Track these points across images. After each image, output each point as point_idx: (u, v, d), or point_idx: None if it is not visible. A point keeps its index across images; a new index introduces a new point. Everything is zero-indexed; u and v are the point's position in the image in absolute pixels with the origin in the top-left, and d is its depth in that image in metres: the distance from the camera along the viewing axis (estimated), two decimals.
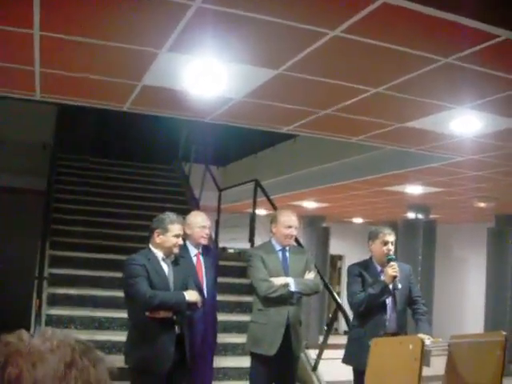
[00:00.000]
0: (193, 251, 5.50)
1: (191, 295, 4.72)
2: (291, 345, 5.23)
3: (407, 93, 4.59)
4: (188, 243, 5.50)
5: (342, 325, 17.35)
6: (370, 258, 5.38)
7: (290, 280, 5.19)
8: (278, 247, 5.37)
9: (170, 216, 4.78)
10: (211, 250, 5.87)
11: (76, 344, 1.04)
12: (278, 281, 5.16)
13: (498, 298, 12.63)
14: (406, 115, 5.27)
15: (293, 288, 5.17)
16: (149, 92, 4.99)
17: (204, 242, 5.51)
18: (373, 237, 5.35)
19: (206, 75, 4.53)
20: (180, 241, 4.78)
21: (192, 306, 4.76)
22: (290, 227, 5.32)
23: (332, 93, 4.75)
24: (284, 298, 5.16)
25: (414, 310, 5.26)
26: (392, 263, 5.11)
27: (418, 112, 5.13)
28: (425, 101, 4.78)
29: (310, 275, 5.36)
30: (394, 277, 5.06)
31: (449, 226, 15.38)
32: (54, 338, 1.03)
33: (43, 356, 1.00)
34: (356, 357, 5.07)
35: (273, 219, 5.45)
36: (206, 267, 5.51)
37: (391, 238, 5.26)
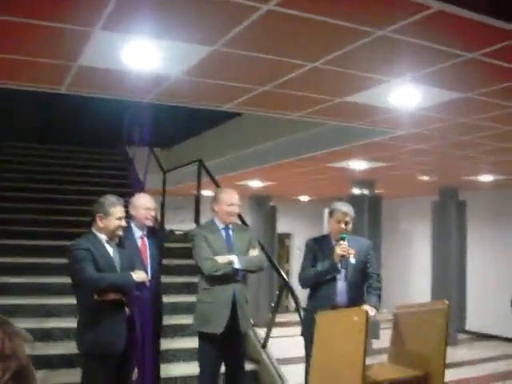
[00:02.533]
0: (137, 233, 5.45)
1: (139, 274, 4.70)
2: (238, 322, 5.25)
3: (344, 67, 4.59)
4: (133, 225, 5.45)
5: (292, 302, 17.50)
6: (329, 234, 5.45)
7: (233, 257, 5.19)
8: (221, 226, 5.36)
9: (109, 199, 4.73)
10: (156, 232, 5.83)
11: None
12: (222, 259, 5.16)
13: (444, 268, 12.91)
14: (345, 90, 5.29)
15: (237, 265, 5.17)
16: (85, 73, 4.88)
17: (149, 223, 5.47)
18: (330, 213, 5.44)
19: (142, 54, 4.45)
20: (123, 223, 4.73)
21: (140, 285, 4.75)
22: (231, 205, 5.32)
23: (269, 68, 4.72)
24: (229, 276, 5.16)
25: (367, 284, 5.33)
26: (341, 242, 5.17)
27: (357, 86, 5.14)
28: (362, 74, 4.79)
29: (254, 252, 5.38)
30: (342, 256, 5.12)
31: (394, 200, 15.63)
32: None
33: None
34: (308, 329, 5.11)
35: (214, 198, 5.44)
36: (150, 249, 5.47)
37: (346, 217, 5.32)
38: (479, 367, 10.64)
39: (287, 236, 19.13)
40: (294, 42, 4.15)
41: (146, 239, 5.48)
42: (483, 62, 4.34)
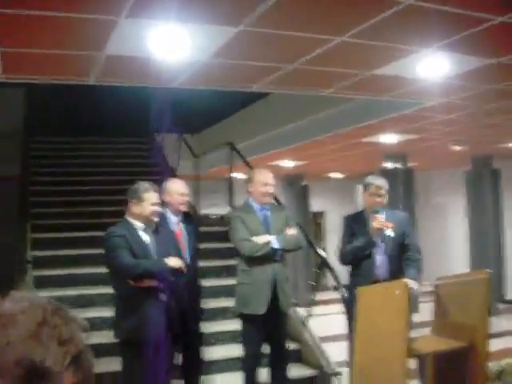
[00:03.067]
0: (173, 219, 5.46)
1: (173, 261, 4.72)
2: (279, 302, 5.25)
3: (372, 39, 4.53)
4: (167, 211, 5.47)
5: (331, 280, 17.47)
6: (364, 209, 5.43)
7: (271, 237, 5.19)
8: (256, 206, 5.36)
9: (143, 185, 4.74)
10: (192, 217, 5.84)
11: (47, 304, 1.03)
12: (260, 239, 5.16)
13: (481, 239, 12.77)
14: (373, 62, 5.23)
15: (275, 245, 5.17)
16: (112, 62, 4.90)
17: (183, 208, 5.47)
18: (364, 188, 5.41)
19: (168, 39, 4.45)
20: (158, 208, 4.75)
21: (176, 271, 4.77)
22: (266, 185, 5.31)
23: (296, 45, 4.69)
24: (267, 256, 5.16)
25: (406, 257, 5.29)
26: (376, 216, 5.14)
27: (385, 58, 5.08)
28: (390, 45, 4.73)
29: (292, 231, 5.37)
30: (378, 229, 5.09)
31: (427, 173, 15.47)
32: (24, 300, 1.02)
33: (14, 318, 0.98)
34: (350, 306, 5.10)
35: (249, 179, 5.44)
36: (186, 234, 5.49)
37: (380, 190, 5.29)
38: None
39: (320, 214, 19.10)
40: (320, 16, 4.11)
41: (181, 225, 5.50)
42: None
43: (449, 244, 15.64)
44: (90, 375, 1.04)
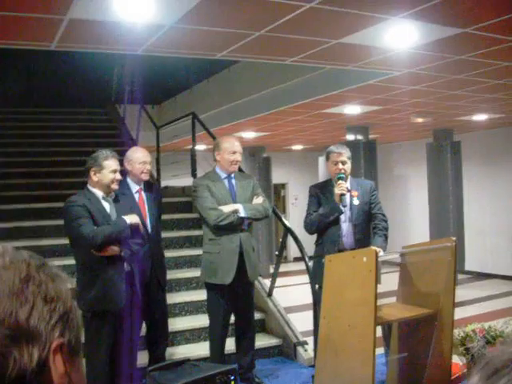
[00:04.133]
0: (134, 187, 5.41)
1: (131, 218, 4.64)
2: (246, 271, 5.24)
3: (341, 5, 4.47)
4: (129, 180, 5.40)
5: (291, 252, 17.64)
6: (330, 178, 5.43)
7: (238, 206, 5.16)
8: (223, 175, 5.32)
9: (103, 152, 4.65)
10: (153, 186, 5.77)
11: (30, 259, 0.95)
12: (227, 208, 5.12)
13: (441, 210, 12.94)
14: (342, 30, 5.16)
15: (242, 214, 5.15)
16: (76, 26, 4.74)
17: (145, 177, 5.41)
18: (326, 157, 5.41)
19: (134, 2, 4.34)
20: (118, 176, 4.66)
21: (134, 230, 4.68)
22: (234, 153, 5.27)
23: (264, 11, 4.59)
24: (234, 225, 5.13)
25: (373, 225, 5.31)
26: (339, 181, 5.15)
27: (353, 26, 5.02)
28: (359, 13, 4.66)
29: (259, 200, 5.35)
30: (341, 194, 5.10)
31: (389, 145, 15.59)
32: (5, 255, 0.94)
33: None
34: (318, 275, 5.11)
35: (216, 146, 5.37)
36: (148, 203, 5.43)
37: (340, 157, 5.29)
38: (481, 306, 10.76)
39: (282, 186, 19.14)
40: None
41: (143, 193, 5.44)
42: None
43: (410, 215, 15.85)
44: (77, 335, 0.97)
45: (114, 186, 4.68)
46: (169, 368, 4.07)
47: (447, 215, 12.86)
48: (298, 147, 17.31)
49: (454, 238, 4.79)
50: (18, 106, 11.40)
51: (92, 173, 4.60)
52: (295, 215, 17.02)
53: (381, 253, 4.81)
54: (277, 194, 18.71)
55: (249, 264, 5.27)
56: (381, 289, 4.17)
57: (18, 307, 0.88)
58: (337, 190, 5.14)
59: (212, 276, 5.24)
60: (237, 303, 5.38)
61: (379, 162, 13.24)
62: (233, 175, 5.37)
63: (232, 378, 3.92)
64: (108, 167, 4.60)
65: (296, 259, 15.98)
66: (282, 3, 4.38)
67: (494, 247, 13.73)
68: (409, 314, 4.76)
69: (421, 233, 14.08)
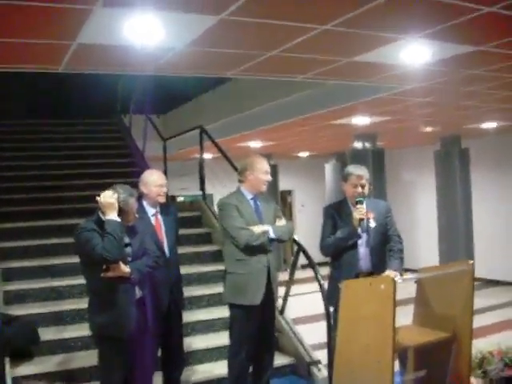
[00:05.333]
0: (150, 211, 5.31)
1: (103, 196, 4.40)
2: (272, 291, 5.20)
3: (356, 27, 4.40)
4: (145, 203, 5.31)
5: (299, 260, 17.46)
6: (345, 198, 5.33)
7: (268, 227, 5.11)
8: (249, 195, 5.25)
9: (123, 193, 4.48)
10: (170, 208, 5.67)
11: None
12: (258, 229, 5.07)
13: (449, 216, 12.87)
14: (355, 50, 5.10)
15: (272, 235, 5.09)
16: (84, 50, 4.68)
17: (161, 200, 5.31)
18: (344, 178, 5.30)
19: (144, 27, 4.25)
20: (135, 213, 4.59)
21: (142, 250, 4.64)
22: (267, 172, 5.23)
23: (278, 34, 4.54)
24: (264, 246, 5.08)
25: (389, 248, 5.22)
26: (359, 206, 5.05)
27: (367, 46, 4.96)
28: (373, 34, 4.61)
29: (282, 222, 5.31)
30: (361, 219, 5.01)
31: (396, 152, 15.50)
32: None
33: None
34: (333, 298, 5.02)
35: (247, 167, 5.25)
36: (165, 226, 5.35)
37: (361, 180, 5.18)
38: (492, 314, 10.66)
39: (289, 193, 19.07)
40: (304, 5, 3.96)
41: (159, 216, 5.35)
42: (500, 14, 4.18)
43: (418, 221, 15.75)
44: None
45: (132, 222, 4.60)
46: None
47: (456, 222, 12.78)
48: (304, 154, 17.24)
49: (472, 262, 4.72)
50: (22, 118, 11.30)
51: None
52: (302, 222, 16.96)
53: (397, 277, 4.73)
54: (283, 201, 18.63)
55: (274, 283, 5.24)
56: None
57: None
58: (356, 215, 5.04)
59: (239, 297, 5.16)
60: (262, 324, 5.32)
61: (387, 169, 13.16)
62: (257, 197, 5.32)
63: None
64: (129, 213, 4.52)
65: (304, 266, 15.88)
66: (294, 26, 4.33)
67: (505, 254, 13.62)
68: (426, 338, 4.68)
69: (430, 240, 14.02)
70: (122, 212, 4.43)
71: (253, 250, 5.08)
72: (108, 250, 4.25)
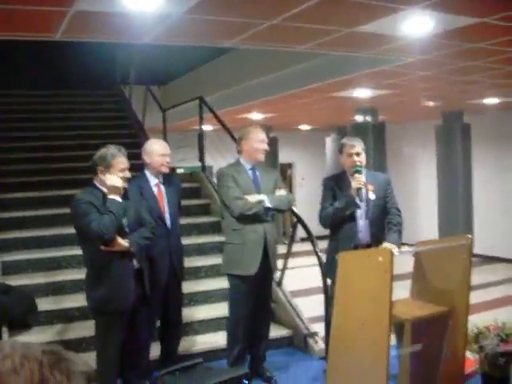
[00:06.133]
0: (153, 181, 5.27)
1: (110, 180, 4.43)
2: (269, 263, 5.19)
3: None
4: (147, 173, 5.27)
5: (298, 232, 17.47)
6: (345, 171, 5.30)
7: (264, 197, 5.09)
8: (247, 166, 5.25)
9: (111, 150, 4.47)
10: (173, 179, 5.62)
11: (43, 356, 0.84)
12: (253, 198, 5.05)
13: (449, 192, 12.85)
14: (357, 20, 5.02)
15: (268, 204, 5.08)
16: (81, 18, 4.60)
17: (165, 170, 5.27)
18: (339, 150, 5.28)
19: None
20: (127, 174, 4.52)
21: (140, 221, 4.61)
22: (262, 141, 5.20)
23: (278, 2, 4.46)
24: (259, 216, 5.06)
25: (388, 220, 5.20)
26: (356, 175, 5.02)
27: (370, 16, 4.88)
28: (376, 4, 4.52)
29: (282, 192, 5.29)
30: (359, 188, 4.98)
31: (397, 126, 15.41)
32: (15, 354, 0.83)
33: (5, 379, 0.80)
34: (331, 270, 5.00)
35: (242, 136, 5.28)
36: (167, 197, 5.31)
37: (355, 149, 5.16)
38: (490, 291, 10.67)
39: (289, 166, 19.01)
40: None
41: (162, 187, 5.31)
42: None
43: (419, 196, 15.71)
44: None
45: (124, 185, 4.54)
46: (181, 372, 4.00)
47: (456, 197, 12.76)
48: (305, 127, 17.16)
49: (471, 236, 4.70)
50: (22, 88, 11.21)
51: (99, 171, 4.46)
52: (302, 195, 16.91)
53: (395, 250, 4.71)
54: (283, 174, 18.58)
55: (272, 255, 5.24)
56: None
57: None
58: (354, 184, 5.02)
59: (235, 267, 5.19)
60: (258, 294, 5.32)
61: (388, 143, 13.10)
62: (256, 167, 5.29)
63: (245, 382, 3.85)
64: (116, 166, 4.46)
65: (303, 239, 15.89)
66: None
67: (504, 230, 13.60)
68: (423, 312, 4.68)
69: (429, 214, 14.00)
70: (109, 166, 4.41)
71: (248, 219, 5.07)
72: (106, 228, 4.24)
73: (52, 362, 0.84)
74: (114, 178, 4.41)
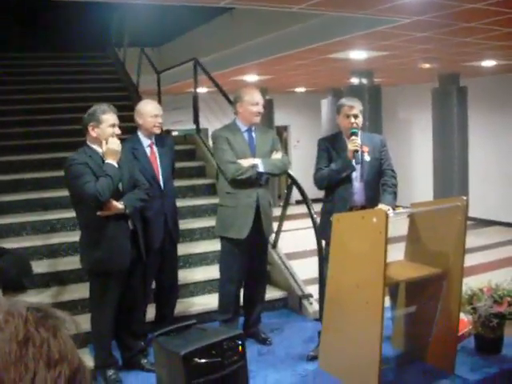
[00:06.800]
0: (145, 142, 5.24)
1: (111, 143, 4.41)
2: (262, 227, 5.18)
3: None
4: (140, 134, 5.24)
5: (293, 195, 17.46)
6: (340, 132, 5.25)
7: (257, 161, 5.05)
8: (243, 128, 5.20)
9: (100, 106, 4.45)
10: (166, 139, 5.59)
11: (28, 312, 0.81)
12: (246, 162, 5.02)
13: (445, 154, 12.83)
14: None
15: (261, 169, 5.05)
16: None
17: (157, 131, 5.23)
18: (337, 110, 5.21)
19: None
20: (117, 130, 4.48)
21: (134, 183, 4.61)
22: (257, 104, 5.14)
23: None
24: (252, 180, 5.04)
25: (382, 182, 5.16)
26: (353, 137, 4.97)
27: None
28: None
29: (278, 155, 5.25)
30: (355, 151, 4.93)
31: (393, 89, 15.33)
32: None
33: None
34: (326, 231, 4.99)
35: (236, 98, 5.23)
36: (160, 157, 5.28)
37: (353, 110, 5.08)
38: (485, 253, 10.73)
39: (284, 128, 18.95)
40: None
41: (154, 148, 5.28)
42: None
43: (414, 159, 15.73)
44: None
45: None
46: (175, 333, 4.01)
47: (452, 161, 12.75)
48: (301, 89, 17.06)
49: (465, 198, 4.69)
50: (13, 51, 11.07)
51: (90, 128, 4.41)
52: (297, 158, 16.88)
53: (390, 211, 4.70)
54: (279, 136, 18.49)
55: (265, 219, 5.21)
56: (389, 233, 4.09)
57: (18, 380, 0.75)
58: (350, 146, 4.96)
59: (227, 230, 5.18)
60: (251, 257, 5.32)
61: (384, 106, 13.03)
62: (253, 128, 5.24)
63: (240, 343, 3.86)
64: (106, 121, 4.41)
65: (298, 202, 15.88)
66: None
67: (499, 194, 13.64)
68: (418, 273, 4.71)
69: (425, 178, 14.02)
70: (99, 121, 4.39)
71: (241, 183, 5.05)
72: (102, 191, 4.22)
73: (37, 319, 0.81)
74: (114, 141, 4.40)
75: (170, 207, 5.33)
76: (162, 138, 5.43)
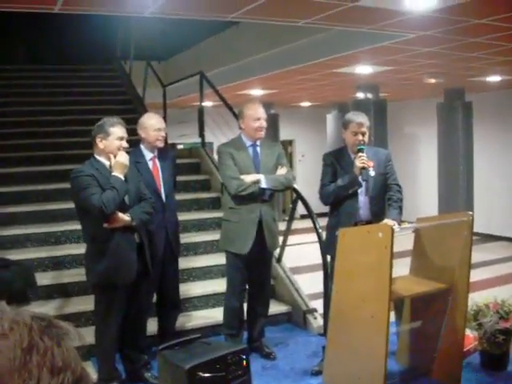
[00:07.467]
0: (148, 155, 5.25)
1: (120, 156, 4.43)
2: (265, 242, 5.16)
3: None
4: (143, 147, 5.25)
5: (299, 208, 17.45)
6: (345, 146, 5.22)
7: (260, 177, 5.05)
8: (248, 143, 5.21)
9: (110, 119, 4.48)
10: (168, 153, 5.60)
11: (33, 321, 0.82)
12: (249, 178, 5.02)
13: (450, 170, 12.80)
14: None
15: (264, 184, 5.04)
16: None
17: (160, 144, 5.24)
18: (344, 126, 5.18)
19: None
20: (124, 143, 4.49)
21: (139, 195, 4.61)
22: (258, 119, 5.14)
23: None
24: (255, 196, 5.04)
25: (388, 197, 5.14)
26: (360, 154, 4.93)
27: None
28: None
29: (282, 170, 5.24)
30: (362, 168, 4.90)
31: (398, 103, 15.33)
32: (4, 319, 0.81)
33: None
34: (331, 246, 4.97)
35: (239, 114, 5.27)
36: (163, 171, 5.29)
37: (361, 128, 5.04)
38: (489, 269, 10.68)
39: (290, 143, 18.95)
40: None
41: (157, 161, 5.29)
42: None
43: (419, 174, 15.69)
44: None
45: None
46: (179, 346, 4.00)
47: (457, 175, 12.72)
48: (306, 104, 17.08)
49: (471, 213, 4.68)
50: (21, 63, 11.13)
51: (98, 140, 4.43)
52: (302, 172, 16.88)
53: (395, 226, 4.69)
54: (284, 150, 18.52)
55: (268, 234, 5.20)
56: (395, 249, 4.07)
57: None
58: (358, 163, 4.92)
59: (230, 244, 5.20)
60: (255, 272, 5.32)
61: (389, 121, 13.04)
62: (258, 143, 5.25)
63: (244, 357, 3.85)
64: (114, 134, 4.42)
65: (303, 216, 15.89)
66: None
67: (504, 208, 13.60)
68: (423, 288, 4.68)
69: (430, 192, 13.97)
70: (107, 133, 4.40)
71: (243, 199, 5.05)
72: (107, 203, 4.21)
73: (42, 328, 0.82)
74: (123, 155, 4.41)
75: (171, 220, 5.34)
76: (165, 152, 5.44)
